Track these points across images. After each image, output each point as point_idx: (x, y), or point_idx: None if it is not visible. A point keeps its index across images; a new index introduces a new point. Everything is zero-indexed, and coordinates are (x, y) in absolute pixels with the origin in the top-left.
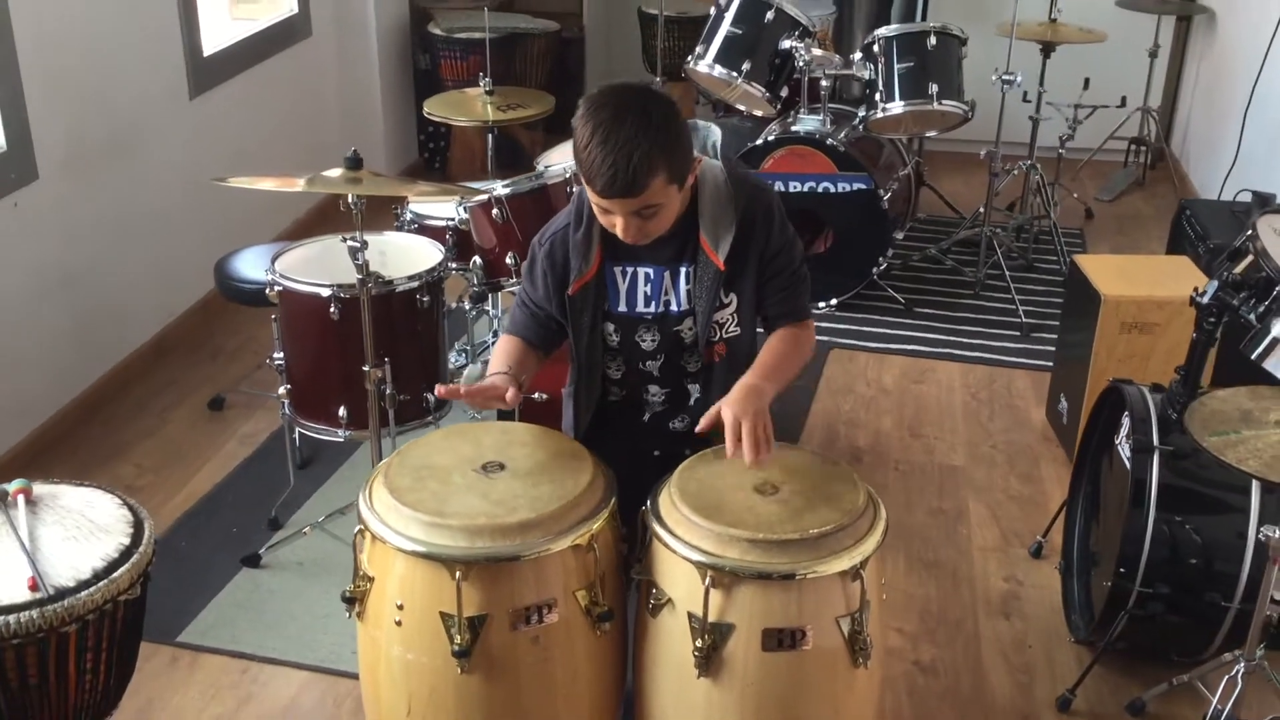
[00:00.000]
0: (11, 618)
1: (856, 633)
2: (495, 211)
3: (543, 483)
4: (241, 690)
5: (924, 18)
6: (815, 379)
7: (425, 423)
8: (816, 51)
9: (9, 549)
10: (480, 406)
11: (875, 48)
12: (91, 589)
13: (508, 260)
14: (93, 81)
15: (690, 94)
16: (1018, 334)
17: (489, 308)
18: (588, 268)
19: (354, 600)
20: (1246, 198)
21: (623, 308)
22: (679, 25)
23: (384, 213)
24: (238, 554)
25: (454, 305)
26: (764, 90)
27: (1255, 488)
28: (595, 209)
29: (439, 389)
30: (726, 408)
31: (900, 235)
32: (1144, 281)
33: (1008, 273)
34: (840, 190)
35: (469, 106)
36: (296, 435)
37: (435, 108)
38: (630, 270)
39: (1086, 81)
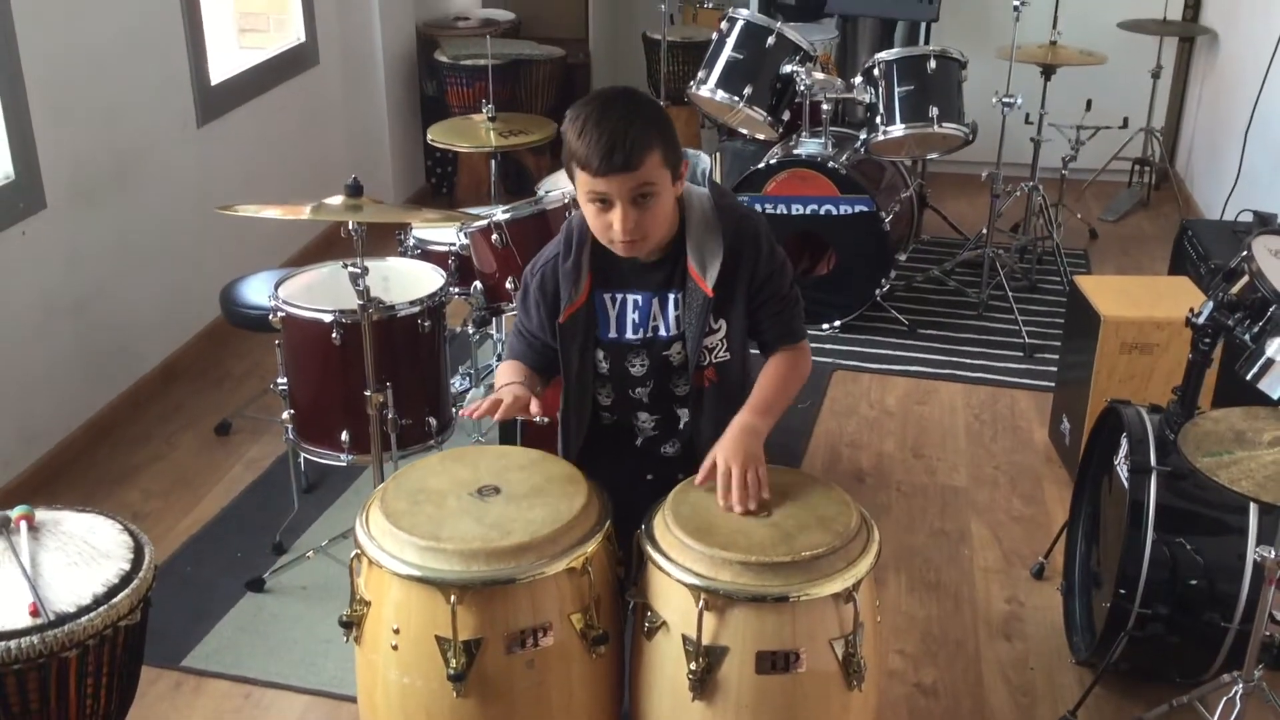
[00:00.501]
0: (12, 643)
1: (850, 655)
2: (495, 237)
3: (537, 506)
4: (244, 715)
5: (926, 42)
6: (819, 401)
7: (427, 447)
8: (818, 75)
9: (11, 575)
10: (506, 418)
11: (876, 71)
12: (92, 614)
13: (507, 285)
14: (101, 110)
15: (694, 118)
16: (1021, 354)
17: (492, 331)
18: (578, 295)
19: (351, 624)
20: (1248, 218)
21: (612, 334)
22: (682, 50)
23: (388, 238)
24: (242, 578)
25: (457, 330)
26: (766, 114)
27: (1253, 508)
28: (592, 211)
29: (465, 411)
30: (720, 454)
31: (903, 257)
32: (1144, 302)
33: (1011, 293)
34: (842, 212)
35: (472, 133)
36: (301, 460)
37: (439, 134)
38: (620, 297)
39: (1089, 103)
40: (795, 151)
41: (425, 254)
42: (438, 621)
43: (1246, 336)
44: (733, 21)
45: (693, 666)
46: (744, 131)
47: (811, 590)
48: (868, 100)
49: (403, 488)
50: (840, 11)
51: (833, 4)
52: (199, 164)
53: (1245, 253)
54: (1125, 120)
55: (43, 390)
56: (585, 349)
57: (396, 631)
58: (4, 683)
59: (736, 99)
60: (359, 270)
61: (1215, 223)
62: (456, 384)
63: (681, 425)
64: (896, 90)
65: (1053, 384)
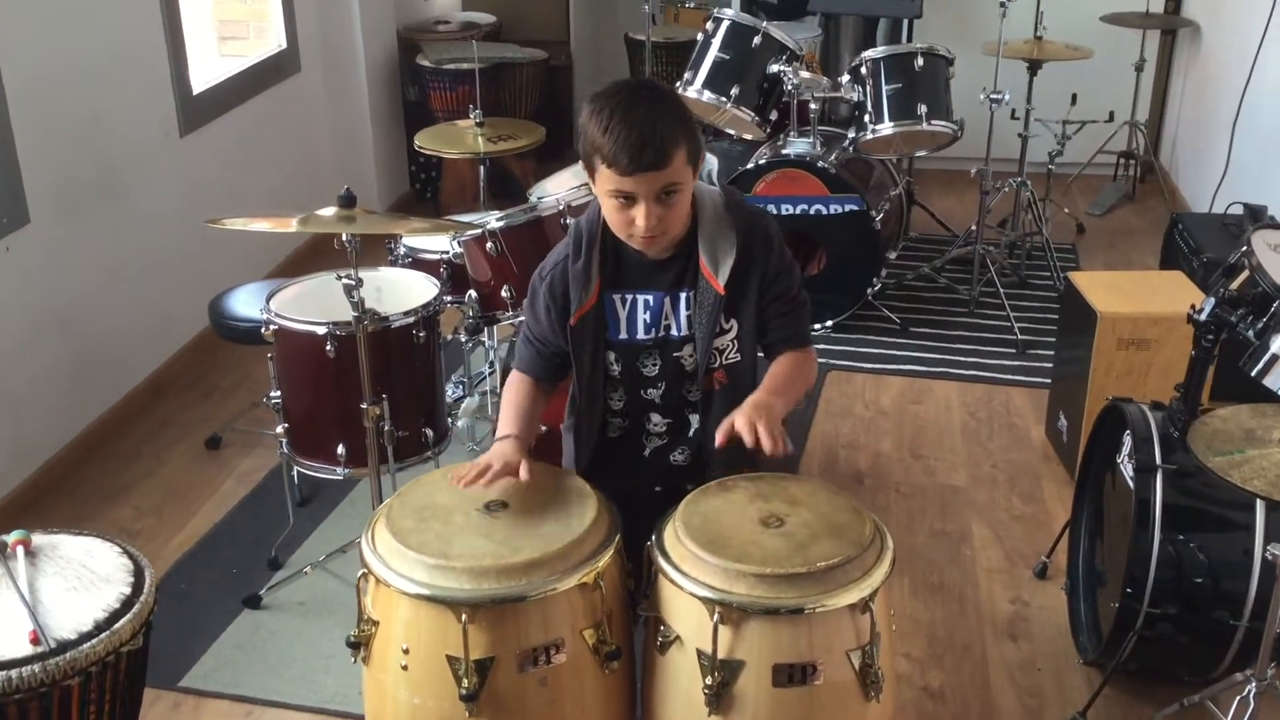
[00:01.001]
0: (14, 672)
1: (868, 666)
2: (490, 245)
3: (547, 521)
4: None
5: (908, 39)
6: (814, 402)
7: (424, 459)
8: (804, 74)
9: (9, 602)
10: (493, 484)
11: (863, 70)
12: (94, 641)
13: (503, 293)
14: (83, 123)
15: None
16: (1014, 351)
17: (485, 339)
18: (588, 297)
19: (359, 644)
20: (1238, 210)
21: (623, 335)
22: (666, 51)
23: (377, 248)
24: (238, 595)
25: (449, 338)
26: (753, 114)
27: (1260, 505)
28: (612, 206)
29: (458, 483)
30: (739, 417)
31: (893, 255)
32: (1139, 297)
33: (1002, 290)
34: (833, 212)
35: (460, 139)
36: (295, 473)
37: (426, 141)
38: (630, 298)
39: (1074, 97)
40: (784, 151)
41: (417, 263)
42: (449, 641)
43: (1250, 333)
44: (718, 21)
45: (708, 681)
46: (731, 132)
47: (828, 601)
48: (855, 99)
49: (408, 505)
50: (822, 10)
51: (815, 2)
52: (182, 175)
53: (1245, 248)
54: (1111, 114)
55: (30, 408)
56: (596, 351)
57: (406, 651)
58: (5, 713)
59: (724, 99)
60: (353, 282)
61: (1205, 216)
62: (449, 393)
63: (691, 431)
64: (884, 88)
65: (1047, 380)
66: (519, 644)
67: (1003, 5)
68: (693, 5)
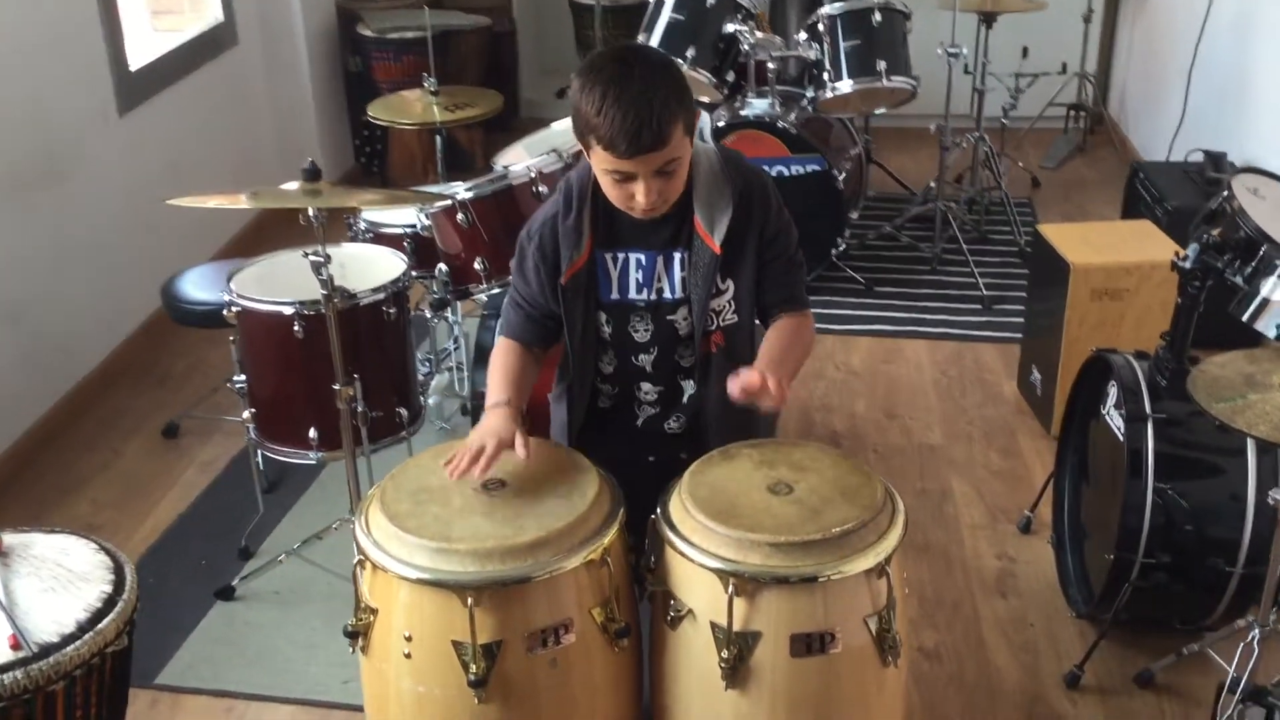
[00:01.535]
0: None
1: (885, 631)
2: (460, 216)
3: (548, 498)
4: None
5: None
6: None
7: (399, 439)
8: (760, 34)
9: None
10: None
11: (820, 26)
12: (78, 643)
13: (476, 266)
14: (19, 105)
15: None
16: (980, 307)
17: (449, 315)
18: (579, 255)
19: (357, 634)
20: (1198, 158)
21: (614, 295)
22: (613, 14)
23: (336, 223)
24: (210, 588)
25: (414, 313)
26: (710, 76)
27: (1251, 450)
28: (609, 182)
29: (452, 475)
30: (750, 369)
31: (855, 215)
32: (1110, 248)
33: (965, 246)
34: (795, 173)
35: (411, 109)
36: (260, 459)
37: (379, 112)
38: (621, 256)
39: (1025, 50)
40: (743, 113)
41: (378, 237)
42: (454, 626)
43: (1239, 278)
44: None
45: (724, 655)
46: None
47: (844, 567)
48: (813, 57)
49: (402, 488)
50: None
51: None
52: (124, 155)
53: (1226, 192)
54: (1064, 65)
55: None
56: (588, 311)
57: (409, 639)
58: None
59: (680, 62)
60: (321, 259)
61: (1166, 164)
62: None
63: (686, 398)
64: (842, 45)
65: (1016, 335)
66: (526, 625)
67: None
68: None
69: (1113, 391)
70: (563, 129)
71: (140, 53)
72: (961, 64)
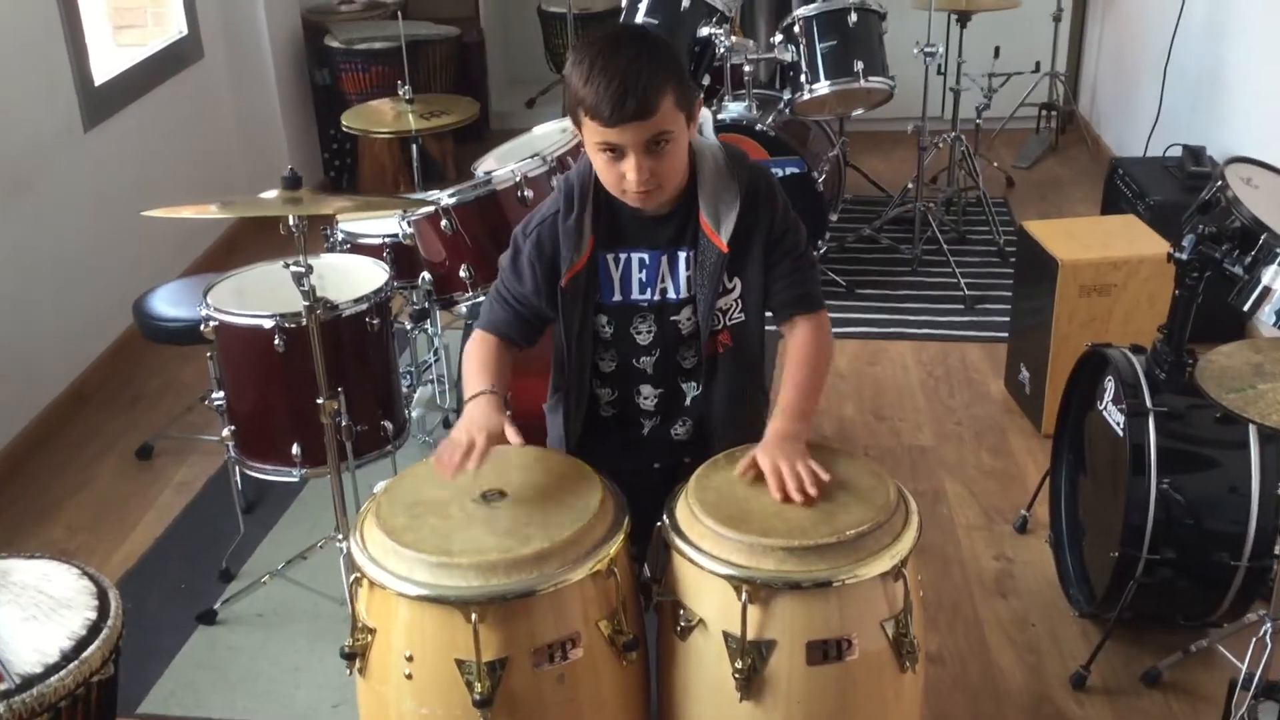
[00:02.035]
0: None
1: (902, 635)
2: (444, 223)
3: (550, 507)
4: None
5: None
6: (769, 371)
7: (385, 453)
8: (734, 38)
9: None
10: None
11: (796, 28)
12: (62, 673)
13: (461, 274)
14: None
15: None
16: (962, 307)
17: (429, 326)
18: (579, 256)
19: (354, 655)
20: (1177, 153)
21: (617, 296)
22: (584, 22)
23: (312, 235)
24: (190, 611)
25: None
26: None
27: (1254, 441)
28: (602, 161)
29: (439, 471)
30: (763, 457)
31: (834, 217)
32: (1096, 244)
33: (945, 246)
34: (774, 176)
35: (384, 118)
36: (238, 478)
37: (352, 121)
38: (624, 256)
39: (997, 50)
40: (720, 116)
41: (356, 248)
42: (457, 643)
43: (1238, 268)
44: None
45: (738, 665)
46: None
47: (860, 571)
48: (789, 59)
49: (397, 501)
50: None
51: None
52: (90, 170)
53: (1220, 182)
54: (1037, 64)
55: None
56: (586, 315)
57: (410, 659)
58: None
59: None
60: (303, 269)
61: (1145, 159)
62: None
63: (688, 401)
64: (819, 46)
65: (999, 334)
66: (533, 641)
67: None
68: None
69: (1110, 386)
70: (542, 133)
71: (104, 67)
72: (936, 64)
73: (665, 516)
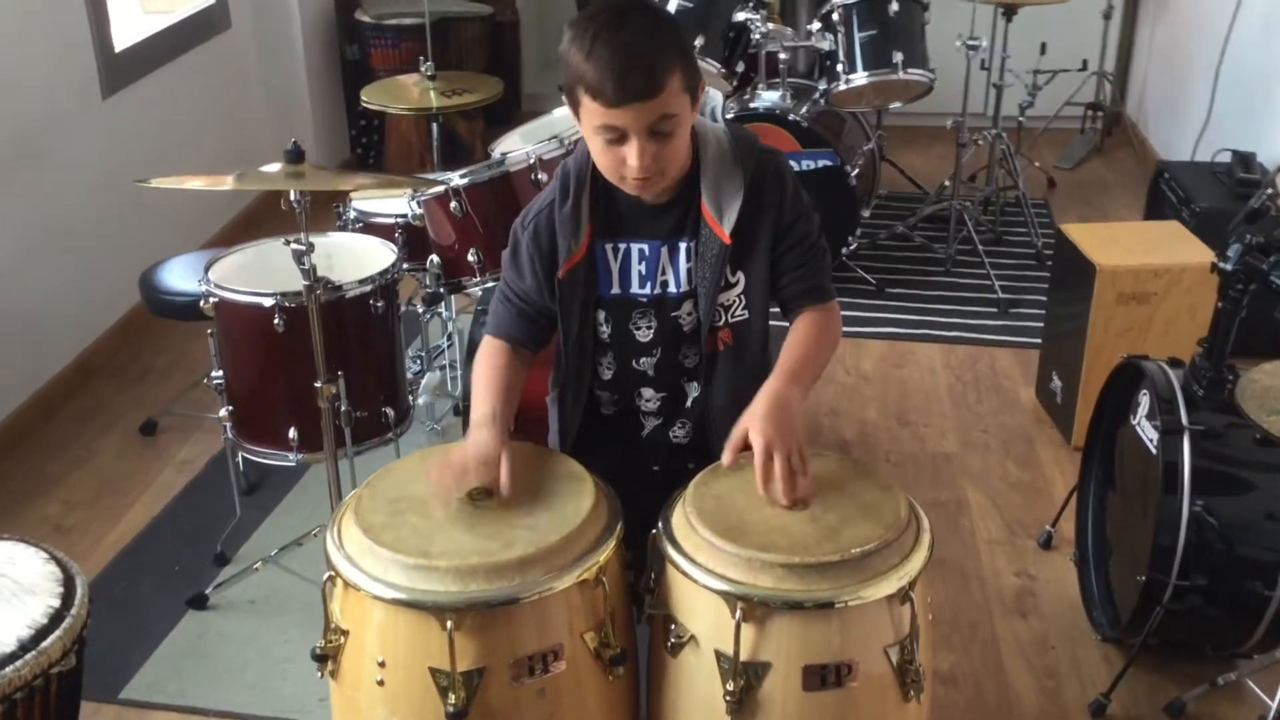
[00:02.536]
0: None
1: (907, 663)
2: (453, 204)
3: (539, 510)
4: None
5: None
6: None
7: (385, 440)
8: (771, 25)
9: None
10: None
11: (834, 16)
12: (18, 663)
13: (469, 258)
14: None
15: None
16: (995, 310)
17: (442, 310)
18: (577, 247)
19: (326, 658)
20: (1226, 158)
21: (615, 290)
22: None
23: (324, 212)
24: (182, 595)
25: (405, 308)
26: (719, 66)
27: None
28: (600, 145)
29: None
30: (754, 430)
31: (866, 213)
32: (1137, 249)
33: (980, 247)
34: (806, 168)
35: (407, 94)
36: (240, 460)
37: (372, 96)
38: (623, 247)
39: (1043, 46)
40: (752, 105)
41: (368, 227)
42: (431, 651)
43: None
44: None
45: (730, 687)
46: None
47: (864, 592)
48: (826, 48)
49: (379, 496)
50: None
51: None
52: (106, 139)
53: (1270, 190)
54: (1084, 63)
55: None
56: (586, 309)
57: (382, 665)
58: None
59: None
60: (304, 247)
61: (1192, 164)
62: (407, 368)
63: (690, 402)
64: (857, 36)
65: (1032, 340)
66: (512, 652)
67: None
68: None
69: (1144, 400)
70: (563, 115)
71: (127, 34)
72: (979, 58)
73: (660, 523)
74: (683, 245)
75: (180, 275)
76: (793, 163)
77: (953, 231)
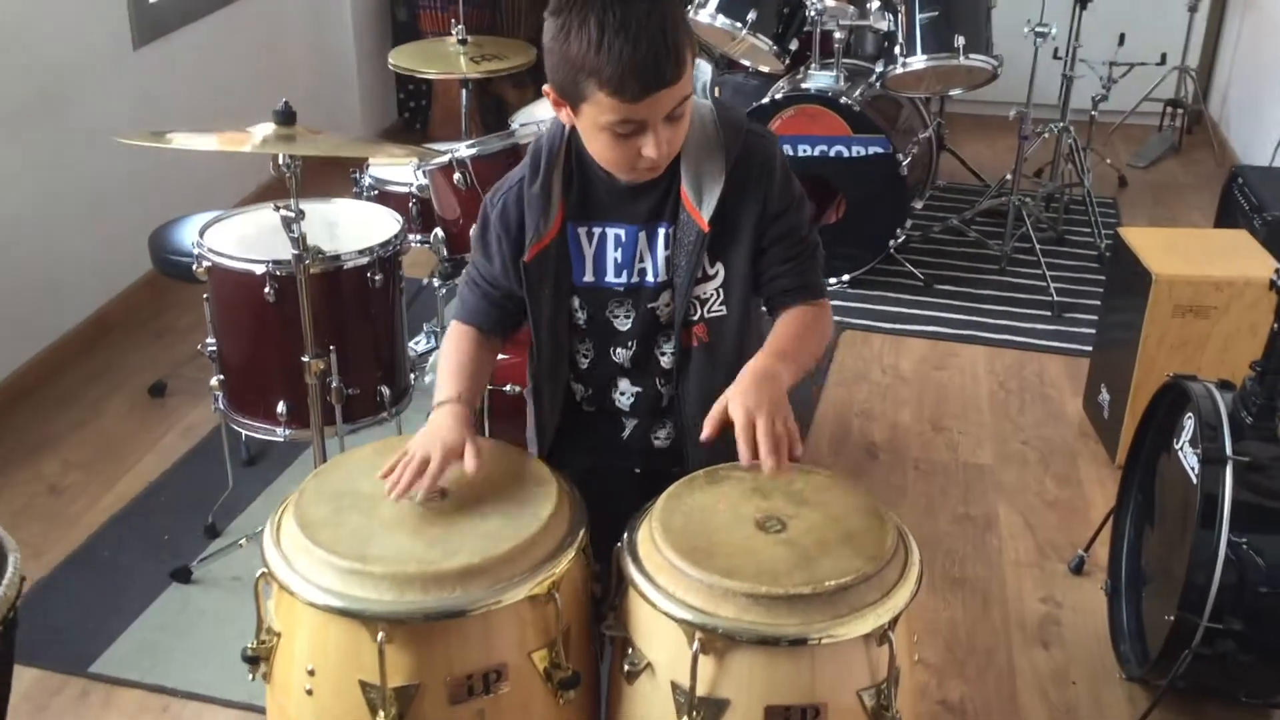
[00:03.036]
0: None
1: (883, 709)
2: (457, 176)
3: (492, 515)
4: None
5: None
6: (826, 365)
7: (379, 420)
8: (829, 1)
9: None
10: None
11: None
12: None
13: (472, 233)
14: (21, 32)
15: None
16: (1049, 314)
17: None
18: (547, 229)
19: (258, 660)
20: None
21: (589, 277)
22: None
23: (341, 177)
24: (167, 566)
25: (423, 282)
26: (771, 43)
27: None
28: (609, 140)
29: (389, 493)
30: (735, 401)
31: (919, 205)
32: (1198, 258)
33: (1038, 246)
34: (855, 154)
35: (441, 57)
36: (241, 430)
37: (403, 59)
38: (598, 231)
39: (1122, 37)
40: (803, 86)
41: (383, 196)
42: (362, 663)
43: None
44: None
45: None
46: (746, 63)
47: (837, 630)
48: (885, 28)
49: (325, 489)
50: None
51: None
52: (135, 91)
53: None
54: (1163, 56)
55: None
56: (558, 296)
57: (311, 673)
58: None
59: (739, 25)
60: (292, 214)
61: (1270, 169)
62: (421, 345)
63: (665, 401)
64: (918, 17)
65: (1086, 348)
66: (450, 670)
67: None
68: None
69: (1189, 424)
70: None
71: None
72: (1050, 46)
73: (625, 537)
74: (661, 230)
75: (193, 235)
76: (841, 148)
77: (1010, 228)
